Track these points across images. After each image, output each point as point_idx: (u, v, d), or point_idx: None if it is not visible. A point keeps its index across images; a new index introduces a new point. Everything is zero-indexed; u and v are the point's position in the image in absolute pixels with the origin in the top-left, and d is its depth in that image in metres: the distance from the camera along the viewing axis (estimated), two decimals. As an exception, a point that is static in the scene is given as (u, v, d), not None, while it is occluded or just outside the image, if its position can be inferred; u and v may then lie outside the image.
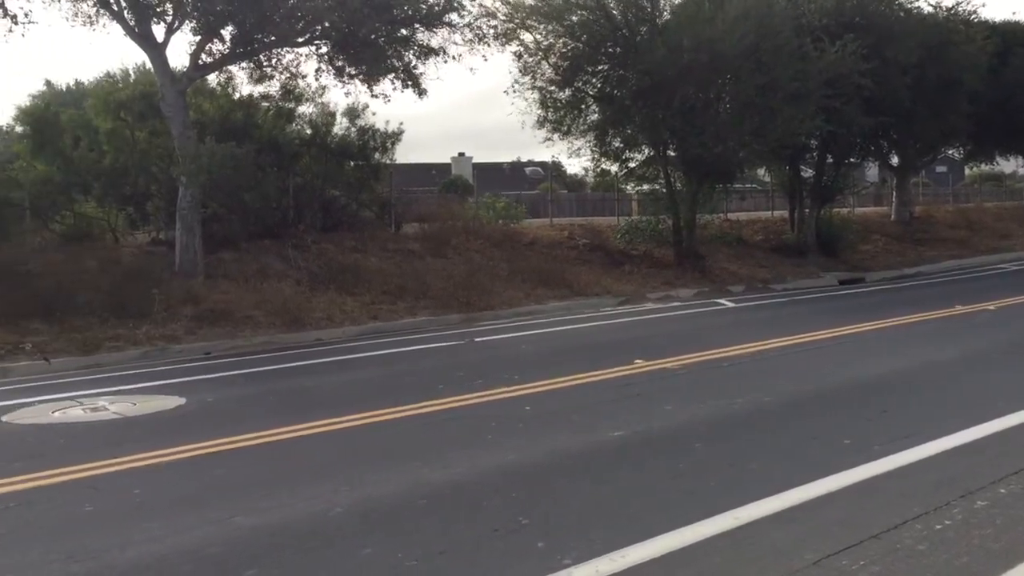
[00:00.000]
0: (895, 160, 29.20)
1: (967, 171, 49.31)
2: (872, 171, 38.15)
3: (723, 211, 25.81)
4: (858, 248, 25.18)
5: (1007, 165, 42.56)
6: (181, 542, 4.96)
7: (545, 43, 20.35)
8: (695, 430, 7.26)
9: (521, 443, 7.00)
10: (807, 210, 24.39)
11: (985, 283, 19.61)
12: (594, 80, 21.10)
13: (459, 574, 4.52)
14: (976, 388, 8.59)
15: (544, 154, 57.03)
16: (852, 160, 26.25)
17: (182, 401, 9.15)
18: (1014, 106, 27.11)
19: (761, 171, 28.82)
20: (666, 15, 20.30)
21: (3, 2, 14.52)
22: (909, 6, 23.67)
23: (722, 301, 17.58)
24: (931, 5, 24.70)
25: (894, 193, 30.49)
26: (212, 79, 18.65)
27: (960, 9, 25.04)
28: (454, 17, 16.99)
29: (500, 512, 5.39)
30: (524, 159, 52.73)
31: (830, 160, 24.59)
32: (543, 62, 20.52)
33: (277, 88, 18.55)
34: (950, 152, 34.65)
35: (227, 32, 16.06)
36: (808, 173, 25.10)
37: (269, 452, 7.04)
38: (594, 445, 6.89)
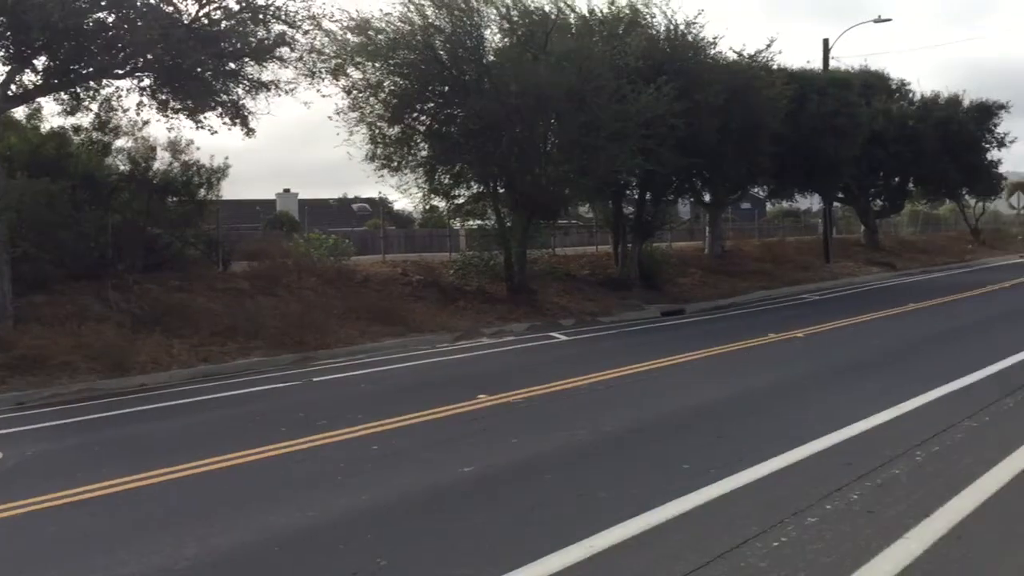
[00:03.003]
0: (707, 197, 30.88)
1: (768, 207, 52.93)
2: (686, 207, 40.13)
3: (550, 246, 26.46)
4: (677, 281, 26.41)
5: (803, 202, 45.90)
6: (15, 609, 4.63)
7: (374, 80, 20.37)
8: (543, 461, 7.44)
9: (371, 483, 6.96)
10: (630, 245, 25.34)
11: (793, 312, 21.05)
12: (423, 117, 21.25)
13: (323, 621, 4.45)
14: (794, 412, 9.22)
15: (371, 190, 56.74)
16: (669, 197, 27.55)
17: (-2, 456, 8.51)
18: (810, 148, 29.38)
19: (584, 207, 29.76)
20: (491, 56, 20.78)
21: None
22: (714, 52, 25.20)
23: (555, 334, 18.04)
24: (735, 52, 26.48)
25: (707, 229, 32.20)
26: (19, 111, 17.52)
27: (760, 56, 26.92)
28: (285, 52, 16.71)
29: (357, 554, 5.35)
30: (351, 195, 52.30)
31: (649, 197, 25.74)
32: (372, 98, 20.52)
33: (91, 120, 17.63)
34: (755, 190, 36.99)
35: (40, 62, 15.16)
36: (629, 210, 26.13)
37: (102, 506, 6.65)
38: (446, 482, 6.93)
